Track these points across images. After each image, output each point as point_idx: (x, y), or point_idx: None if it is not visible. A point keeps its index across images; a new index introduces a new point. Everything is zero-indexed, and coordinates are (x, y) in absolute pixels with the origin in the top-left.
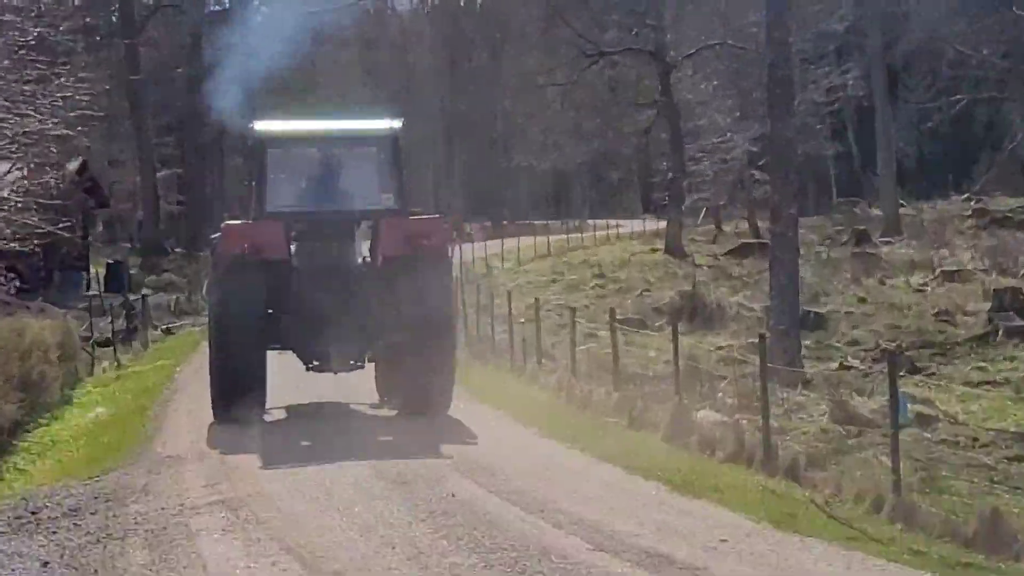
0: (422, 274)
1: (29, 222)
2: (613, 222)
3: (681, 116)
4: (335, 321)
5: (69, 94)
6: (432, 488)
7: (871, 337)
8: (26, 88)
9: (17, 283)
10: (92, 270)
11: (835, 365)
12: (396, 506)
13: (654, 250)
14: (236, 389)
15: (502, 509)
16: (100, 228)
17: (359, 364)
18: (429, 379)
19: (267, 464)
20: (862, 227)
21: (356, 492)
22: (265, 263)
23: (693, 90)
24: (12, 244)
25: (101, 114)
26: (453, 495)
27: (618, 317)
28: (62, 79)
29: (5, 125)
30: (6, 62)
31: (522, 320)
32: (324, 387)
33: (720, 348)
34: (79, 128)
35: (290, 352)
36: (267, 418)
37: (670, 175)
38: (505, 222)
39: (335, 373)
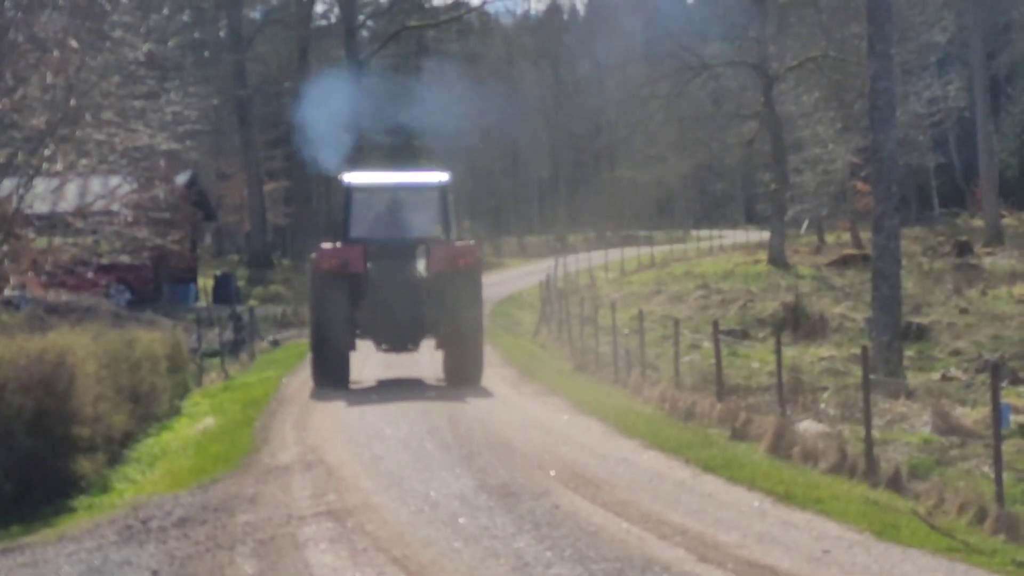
0: (458, 283)
1: (139, 235)
2: (716, 233)
3: (783, 128)
4: (397, 317)
5: (178, 109)
6: (536, 500)
7: (973, 348)
8: (136, 103)
9: (128, 295)
10: (200, 282)
11: (937, 376)
12: (500, 518)
13: (757, 261)
14: (329, 365)
15: (606, 520)
16: (209, 241)
17: (413, 347)
18: (463, 359)
19: (369, 473)
20: (964, 238)
21: (461, 504)
22: (348, 275)
23: (795, 102)
24: (123, 257)
25: (208, 128)
26: (557, 506)
27: (721, 328)
28: (171, 94)
29: (115, 140)
30: (117, 78)
31: (626, 331)
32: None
33: (823, 359)
34: (187, 142)
35: (367, 338)
36: (354, 388)
37: (772, 187)
38: (609, 233)
39: (397, 353)
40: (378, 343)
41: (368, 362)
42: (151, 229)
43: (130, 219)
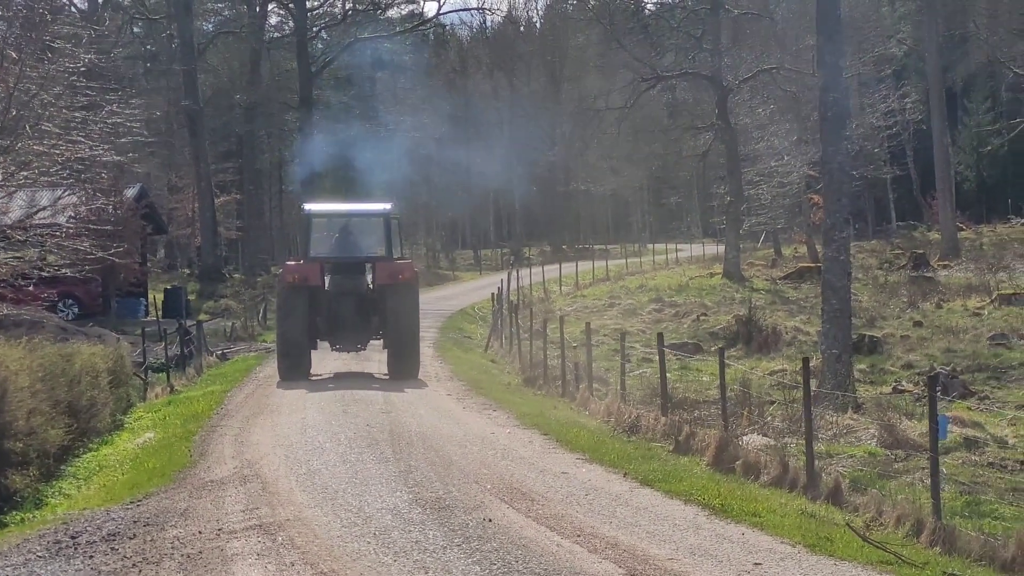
0: (399, 294)
1: (81, 248)
2: (673, 246)
3: (738, 140)
4: (348, 322)
5: (120, 120)
6: (469, 514)
7: (926, 361)
8: (76, 115)
9: (76, 309)
10: (151, 296)
11: (888, 389)
12: (432, 531)
13: (712, 274)
14: (292, 363)
15: (538, 534)
16: (162, 254)
17: (362, 347)
18: (403, 356)
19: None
20: (920, 251)
21: (394, 518)
22: (309, 288)
23: (750, 114)
24: (64, 270)
25: (152, 140)
26: (490, 520)
27: (674, 342)
28: (113, 106)
29: (56, 151)
30: (58, 89)
31: (575, 345)
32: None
33: (774, 372)
34: (130, 154)
35: (324, 340)
36: (314, 377)
37: (727, 199)
38: (565, 246)
39: (349, 352)
40: (333, 344)
41: (326, 359)
42: (94, 242)
43: (71, 231)
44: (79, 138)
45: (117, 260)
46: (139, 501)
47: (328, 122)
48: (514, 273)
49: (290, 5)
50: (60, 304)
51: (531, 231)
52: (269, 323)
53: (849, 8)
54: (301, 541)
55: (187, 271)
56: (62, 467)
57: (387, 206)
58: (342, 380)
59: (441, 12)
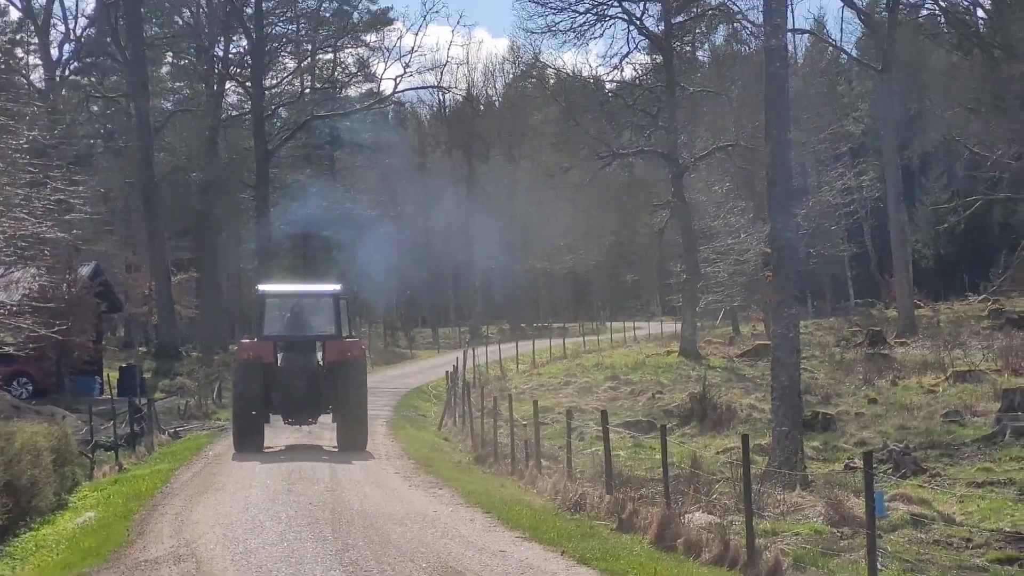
0: (347, 371)
1: (23, 326)
2: (632, 324)
3: (694, 217)
4: (300, 397)
5: (63, 197)
6: None
7: (879, 438)
8: (19, 192)
9: (30, 387)
10: (106, 374)
11: (840, 466)
12: None
13: (669, 352)
14: (246, 436)
15: None
16: (122, 332)
17: (313, 421)
18: (351, 429)
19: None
20: (877, 328)
21: None
22: (263, 365)
23: (707, 191)
24: (7, 348)
25: (110, 217)
26: None
27: (629, 420)
28: (57, 183)
29: None
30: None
31: (524, 423)
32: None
33: (727, 450)
34: (75, 231)
35: (277, 415)
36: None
37: (684, 277)
38: (524, 325)
39: (300, 425)
40: (286, 418)
41: (280, 432)
42: (37, 319)
43: (16, 309)
44: (22, 215)
45: (60, 338)
46: None
47: (285, 200)
48: (470, 351)
49: (247, 84)
50: (14, 383)
51: (491, 309)
52: (224, 401)
53: (805, 85)
54: None
55: (144, 349)
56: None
57: (336, 287)
58: (294, 453)
59: (399, 90)
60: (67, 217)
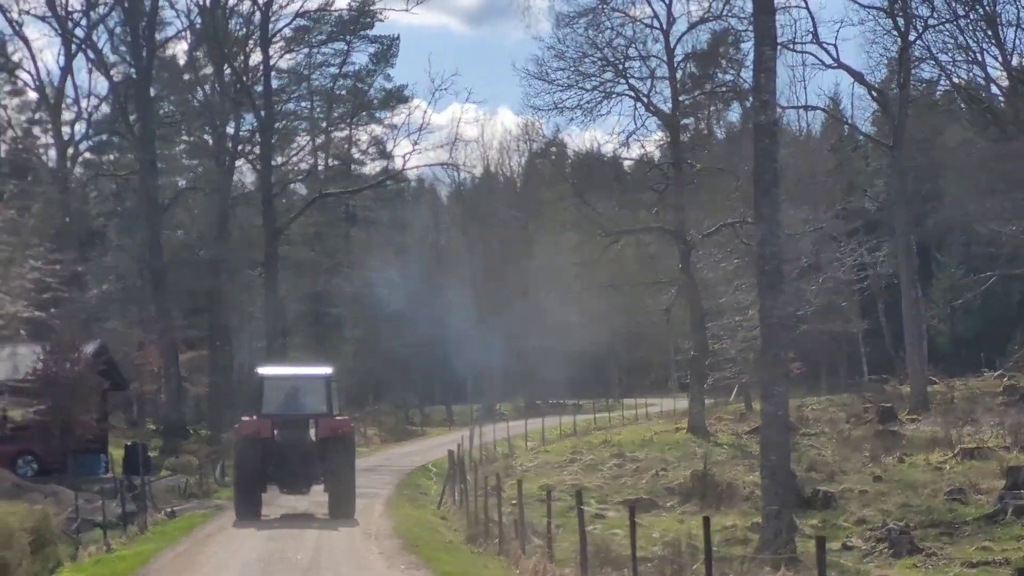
0: (338, 446)
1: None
2: (645, 401)
3: (703, 294)
4: (295, 469)
5: (38, 276)
6: None
7: (880, 516)
8: None
9: (35, 465)
10: (112, 452)
11: (837, 545)
12: None
13: (678, 429)
14: (246, 504)
15: None
16: (134, 410)
17: (306, 491)
18: (340, 498)
19: None
20: (888, 405)
21: None
22: (261, 439)
23: (714, 268)
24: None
25: (65, 295)
26: None
27: (629, 498)
28: (31, 261)
29: None
30: None
31: (512, 503)
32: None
33: (726, 528)
34: (52, 310)
35: (274, 485)
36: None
37: (692, 354)
38: (538, 402)
39: (295, 494)
40: (282, 488)
41: (278, 500)
42: (11, 400)
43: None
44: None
45: (39, 418)
46: None
47: (296, 278)
48: (477, 430)
49: (255, 162)
50: (19, 461)
51: (506, 386)
52: (227, 479)
53: (811, 164)
54: None
55: (153, 427)
56: None
57: (328, 370)
58: (286, 522)
59: (409, 167)
60: (45, 296)
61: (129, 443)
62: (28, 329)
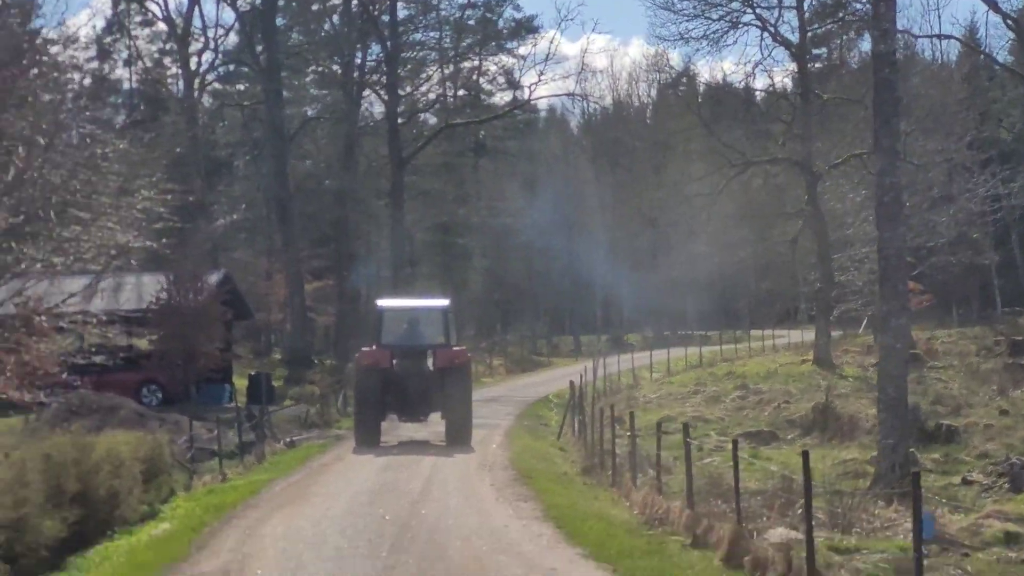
0: (454, 375)
1: (109, 335)
2: (779, 332)
3: (829, 225)
4: (413, 398)
5: (148, 205)
6: None
7: (1003, 451)
8: (105, 199)
9: (159, 395)
10: (236, 382)
11: (957, 480)
12: None
13: (804, 361)
14: (366, 431)
15: None
16: (262, 340)
17: (424, 418)
18: (456, 426)
19: None
20: (1019, 337)
21: None
22: (380, 369)
23: (841, 199)
24: (98, 358)
25: (178, 225)
26: None
27: (751, 430)
28: (143, 191)
29: (85, 238)
30: (84, 175)
31: (627, 433)
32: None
33: (844, 462)
34: (164, 240)
35: (393, 413)
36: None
37: (817, 285)
38: (668, 332)
39: (413, 422)
40: (400, 416)
41: (397, 428)
42: (123, 328)
43: (105, 319)
44: (110, 224)
45: (163, 348)
46: None
47: (423, 208)
48: (601, 361)
49: (382, 92)
50: (144, 390)
51: (636, 317)
52: (349, 409)
53: (944, 94)
54: None
55: (279, 357)
56: (70, 559)
57: (445, 302)
58: (404, 450)
59: (535, 98)
60: (157, 226)
61: (253, 373)
62: (153, 260)
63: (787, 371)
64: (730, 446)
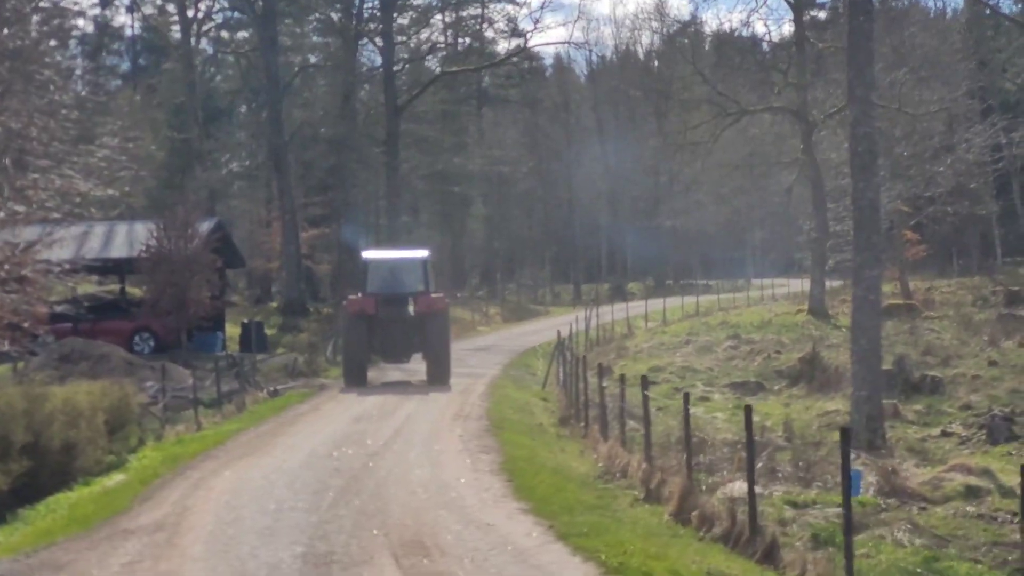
0: (434, 320)
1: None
2: (780, 282)
3: (825, 175)
4: (396, 341)
5: (109, 153)
6: (347, 571)
7: (987, 402)
8: (62, 147)
9: (152, 343)
10: (229, 330)
11: (937, 432)
12: None
13: (799, 311)
14: (354, 372)
15: None
16: (259, 288)
17: (406, 360)
18: (436, 367)
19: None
20: (1016, 288)
21: (269, 575)
22: (367, 316)
23: (837, 148)
24: (64, 307)
25: (135, 171)
26: None
27: (738, 380)
28: (104, 138)
29: (42, 186)
30: (43, 121)
31: (605, 384)
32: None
33: (827, 413)
34: (126, 189)
35: (377, 355)
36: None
37: (812, 235)
38: (670, 281)
39: (396, 364)
40: (384, 358)
41: (384, 370)
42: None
43: (70, 268)
44: (70, 172)
45: (154, 296)
46: (33, 552)
47: (421, 155)
48: (594, 310)
49: (378, 39)
50: (136, 337)
51: (638, 266)
52: (339, 359)
53: (944, 43)
54: None
55: (275, 305)
56: (20, 511)
57: (425, 253)
58: (388, 393)
59: (535, 45)
60: (121, 174)
61: (245, 320)
62: (154, 207)
63: (781, 321)
64: (717, 396)
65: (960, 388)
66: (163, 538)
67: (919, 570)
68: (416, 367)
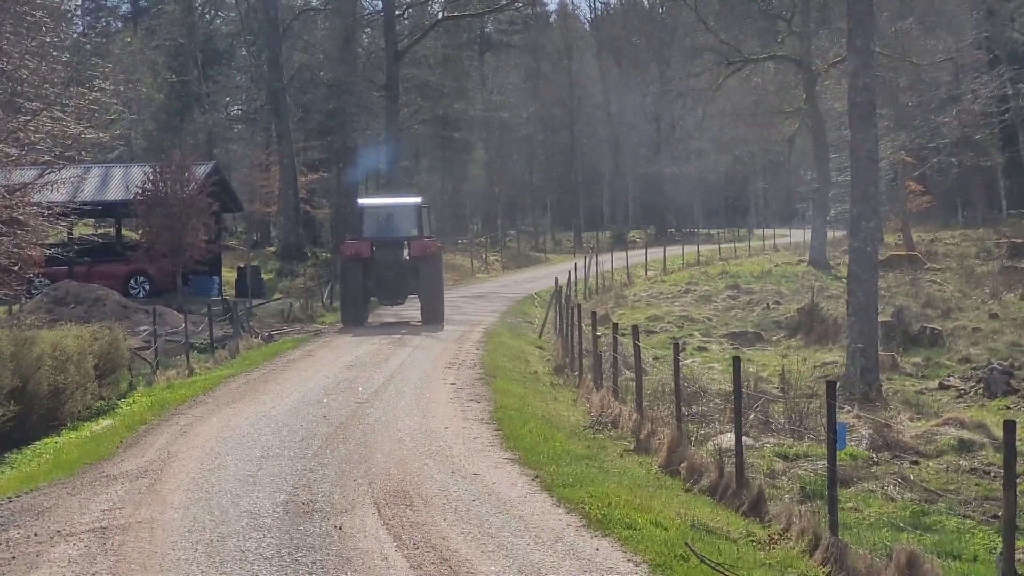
0: (427, 263)
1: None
2: (782, 232)
3: (828, 125)
4: (391, 283)
5: (99, 96)
6: (327, 519)
7: (986, 355)
8: (53, 89)
9: (147, 287)
10: (226, 275)
11: (935, 384)
12: (271, 539)
13: (800, 261)
14: (352, 313)
15: (375, 545)
16: (258, 232)
17: (401, 302)
18: (430, 308)
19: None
20: (1020, 240)
21: (248, 523)
22: (362, 259)
23: (840, 98)
24: (54, 250)
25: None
26: (339, 528)
27: (736, 331)
28: (96, 80)
29: (33, 128)
30: (28, 62)
31: (599, 335)
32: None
33: (824, 364)
34: (117, 132)
35: (374, 297)
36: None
37: (815, 185)
38: (672, 230)
39: (392, 305)
40: (380, 300)
41: (381, 311)
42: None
43: (60, 211)
44: (62, 115)
45: (150, 239)
46: (16, 497)
47: (423, 101)
48: (592, 258)
49: None
50: (132, 281)
51: (641, 214)
52: (335, 305)
53: None
54: (129, 548)
55: (273, 249)
56: (7, 454)
57: (418, 200)
58: (384, 335)
59: None
60: (109, 118)
61: (241, 265)
62: (153, 150)
63: (781, 271)
64: (714, 347)
65: (960, 341)
66: (145, 484)
67: (907, 524)
68: (412, 312)
